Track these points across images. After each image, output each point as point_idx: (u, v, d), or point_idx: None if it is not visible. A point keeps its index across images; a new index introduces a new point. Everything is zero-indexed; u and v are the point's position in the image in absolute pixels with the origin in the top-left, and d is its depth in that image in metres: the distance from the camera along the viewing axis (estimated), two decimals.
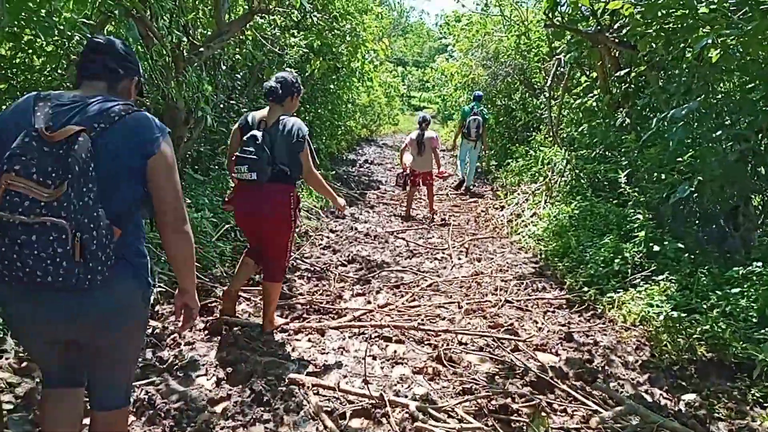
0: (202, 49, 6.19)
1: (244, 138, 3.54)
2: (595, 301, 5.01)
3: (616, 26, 7.34)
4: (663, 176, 5.76)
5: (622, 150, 7.51)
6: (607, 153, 7.94)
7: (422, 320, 4.44)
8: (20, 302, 1.76)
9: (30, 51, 4.70)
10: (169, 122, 6.42)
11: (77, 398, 2.05)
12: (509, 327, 4.46)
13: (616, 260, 5.25)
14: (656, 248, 5.13)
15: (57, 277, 1.60)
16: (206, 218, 5.19)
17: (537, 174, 9.72)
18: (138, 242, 1.92)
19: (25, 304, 1.75)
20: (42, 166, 1.59)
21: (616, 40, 7.20)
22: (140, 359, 3.34)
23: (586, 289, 5.20)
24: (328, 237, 6.90)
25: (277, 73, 3.73)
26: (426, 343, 4.07)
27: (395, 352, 3.92)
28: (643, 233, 5.29)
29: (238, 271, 4.03)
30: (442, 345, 4.02)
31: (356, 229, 7.60)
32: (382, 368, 3.67)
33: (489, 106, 14.76)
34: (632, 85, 8.03)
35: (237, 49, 7.99)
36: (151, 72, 5.96)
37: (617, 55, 8.11)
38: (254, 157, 3.44)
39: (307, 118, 10.19)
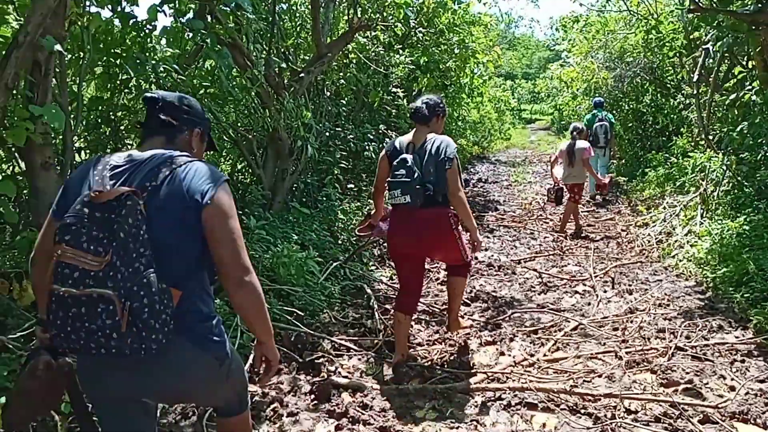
0: (302, 74, 5.79)
1: (395, 162, 3.50)
2: None
3: None
4: None
5: None
6: None
7: (573, 380, 3.56)
8: (93, 373, 1.75)
9: (126, 91, 4.47)
10: (273, 155, 6.08)
11: None
12: (689, 386, 3.46)
13: None
14: None
15: (110, 349, 1.54)
16: (311, 258, 4.66)
17: (686, 184, 8.39)
18: (202, 303, 1.80)
19: (96, 375, 1.75)
20: (92, 234, 1.54)
21: None
22: None
23: None
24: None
25: (423, 96, 3.70)
26: (583, 412, 3.19)
27: (544, 426, 3.09)
28: None
29: (397, 335, 3.83)
30: (605, 415, 3.13)
31: (476, 258, 6.79)
32: None
33: (614, 111, 13.42)
34: None
35: (341, 74, 7.59)
36: (251, 103, 5.65)
37: None
38: (406, 179, 3.40)
39: None
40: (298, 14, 6.98)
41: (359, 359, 3.86)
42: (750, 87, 7.27)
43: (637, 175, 10.98)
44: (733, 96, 7.29)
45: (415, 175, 3.37)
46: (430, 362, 3.87)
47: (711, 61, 7.18)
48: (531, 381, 3.51)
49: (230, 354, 1.88)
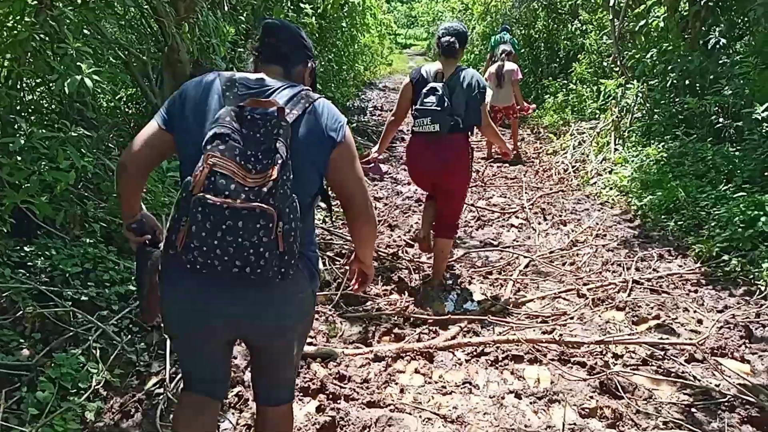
0: None
1: (424, 90, 3.44)
2: (746, 273, 3.95)
3: None
4: None
5: (713, 78, 6.30)
6: (686, 82, 6.73)
7: (549, 325, 3.36)
8: (199, 294, 1.59)
9: None
10: (170, 80, 5.16)
11: (215, 412, 1.89)
12: (659, 321, 3.41)
13: (762, 219, 4.15)
14: None
15: (256, 268, 1.46)
16: None
17: (596, 111, 8.51)
18: (313, 235, 1.81)
19: (204, 296, 1.59)
20: (244, 150, 1.47)
21: None
22: None
23: (725, 257, 4.13)
24: (376, 208, 5.74)
25: (445, 24, 3.68)
26: (573, 361, 3.00)
27: (538, 381, 2.86)
28: None
29: (424, 216, 3.99)
30: (595, 362, 2.97)
31: (402, 193, 6.44)
32: (536, 413, 2.61)
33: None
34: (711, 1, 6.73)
35: None
36: (142, 15, 4.67)
37: None
38: (437, 108, 3.40)
39: (321, 63, 8.81)
40: None
41: (317, 319, 3.37)
42: (656, 14, 7.33)
43: (536, 101, 11.08)
44: (642, 22, 7.31)
45: (446, 104, 3.39)
46: (399, 316, 3.48)
47: None
48: (510, 331, 3.27)
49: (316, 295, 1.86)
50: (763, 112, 4.44)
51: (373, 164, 3.77)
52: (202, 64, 5.14)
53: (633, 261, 4.36)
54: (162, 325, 1.88)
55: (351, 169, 1.68)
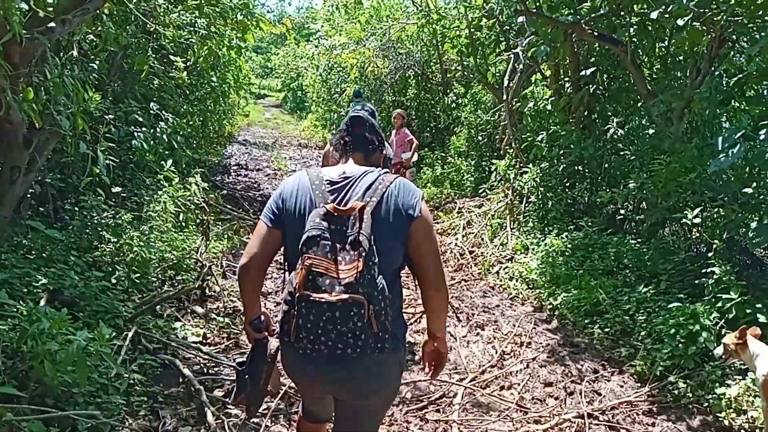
0: (53, 24, 3.70)
1: None
2: (698, 399, 3.60)
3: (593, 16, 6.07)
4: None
5: (609, 165, 6.31)
6: (578, 168, 6.70)
7: None
8: (312, 368, 1.84)
9: None
10: None
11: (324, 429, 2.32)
12: None
13: (703, 334, 3.88)
14: (760, 317, 3.83)
15: (356, 348, 1.70)
16: (101, 337, 2.82)
17: (477, 188, 8.30)
18: (400, 302, 1.95)
19: (315, 371, 1.85)
20: (333, 246, 1.71)
21: (596, 33, 5.92)
22: None
23: (671, 378, 3.78)
24: (270, 309, 4.71)
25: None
26: None
27: None
28: (731, 293, 3.96)
29: None
30: None
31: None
32: None
33: (374, 101, 13.15)
34: (600, 87, 6.86)
35: (91, 28, 5.39)
36: None
37: (577, 52, 6.89)
38: None
39: (190, 122, 7.63)
40: None
41: None
42: (546, 97, 7.35)
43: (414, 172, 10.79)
44: (531, 104, 7.27)
45: None
46: None
47: (521, 67, 7.01)
48: None
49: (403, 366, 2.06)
50: (694, 218, 4.28)
51: None
52: (43, 127, 3.90)
53: (570, 380, 3.86)
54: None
55: (427, 242, 1.85)
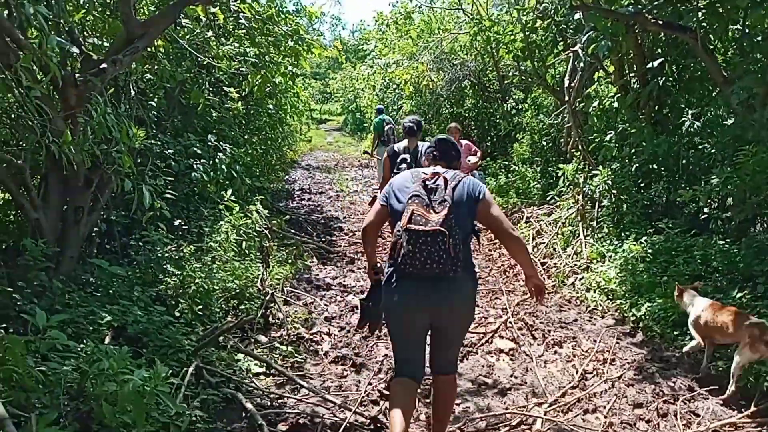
0: (104, 65, 3.76)
1: (398, 160, 5.16)
2: None
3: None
4: None
5: (687, 161, 5.84)
6: (652, 166, 6.25)
7: None
8: (412, 287, 2.63)
9: None
10: (57, 187, 3.98)
11: (416, 390, 2.79)
12: None
13: None
14: None
15: (439, 264, 2.51)
16: (157, 376, 2.76)
17: (545, 195, 7.94)
18: (471, 259, 2.75)
19: (414, 289, 2.63)
20: (428, 202, 2.61)
21: (660, 22, 5.51)
22: None
23: None
24: (328, 335, 4.59)
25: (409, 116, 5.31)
26: None
27: None
28: None
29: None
30: None
31: (357, 307, 5.35)
32: None
33: (431, 115, 13.00)
34: (670, 79, 6.40)
35: (147, 66, 5.53)
36: (21, 109, 3.51)
37: (641, 44, 6.47)
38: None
39: (249, 151, 7.70)
40: None
41: None
42: (611, 94, 6.96)
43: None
44: (596, 103, 6.89)
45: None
46: None
47: (581, 65, 6.66)
48: None
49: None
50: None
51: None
52: (100, 166, 3.97)
53: (663, 400, 3.49)
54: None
55: (491, 213, 2.69)
